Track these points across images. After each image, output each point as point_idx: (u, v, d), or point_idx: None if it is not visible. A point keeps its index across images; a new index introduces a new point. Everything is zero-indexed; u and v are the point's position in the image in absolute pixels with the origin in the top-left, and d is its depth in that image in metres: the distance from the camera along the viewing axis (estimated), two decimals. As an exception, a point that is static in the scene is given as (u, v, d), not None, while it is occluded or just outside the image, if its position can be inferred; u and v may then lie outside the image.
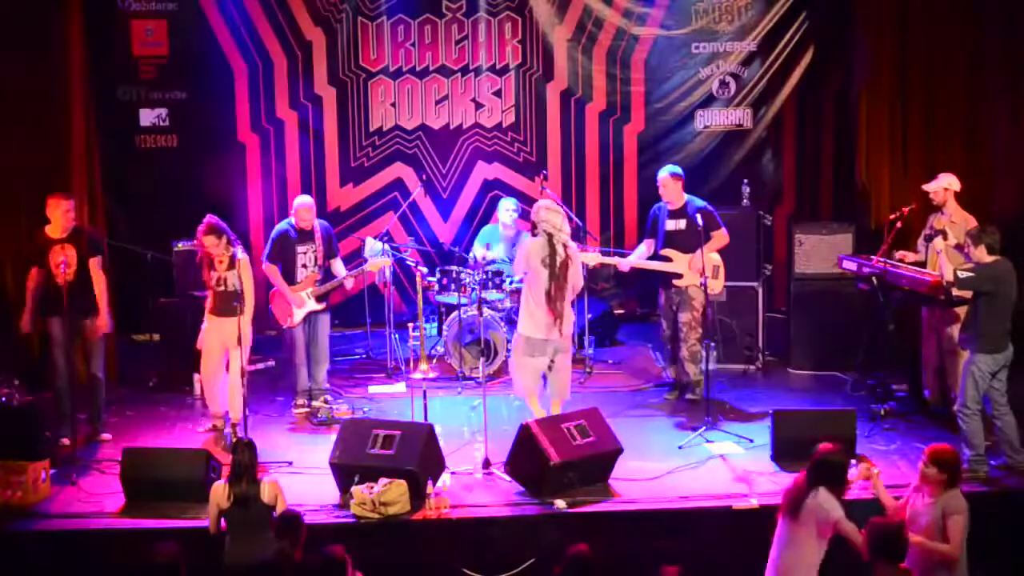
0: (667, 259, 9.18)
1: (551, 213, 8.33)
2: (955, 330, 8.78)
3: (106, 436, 8.74)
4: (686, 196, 9.25)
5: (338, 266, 9.26)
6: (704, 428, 8.56)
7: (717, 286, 9.20)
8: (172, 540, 6.27)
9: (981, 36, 10.33)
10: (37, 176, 9.64)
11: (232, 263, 8.54)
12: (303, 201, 9.16)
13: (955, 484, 6.30)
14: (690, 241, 8.98)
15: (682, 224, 9.11)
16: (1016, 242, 9.84)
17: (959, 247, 8.16)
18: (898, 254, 9.02)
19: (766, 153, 11.65)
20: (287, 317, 9.07)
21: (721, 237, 9.19)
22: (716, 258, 9.18)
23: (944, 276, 7.90)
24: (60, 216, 8.47)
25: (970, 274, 7.72)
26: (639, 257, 9.39)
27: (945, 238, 8.17)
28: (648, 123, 11.61)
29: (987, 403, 7.77)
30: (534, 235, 8.34)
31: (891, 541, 5.82)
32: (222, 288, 8.57)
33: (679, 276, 9.13)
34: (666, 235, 9.23)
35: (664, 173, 9.29)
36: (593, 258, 9.34)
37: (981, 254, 7.68)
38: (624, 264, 9.47)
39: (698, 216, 8.89)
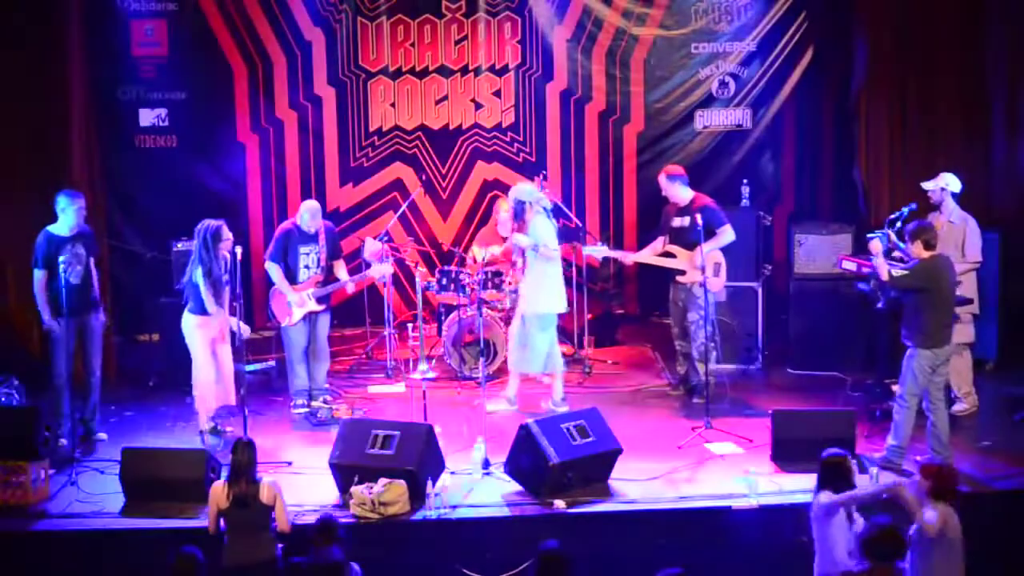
0: (671, 255, 9.22)
1: (539, 193, 9.05)
2: (955, 330, 8.80)
3: (102, 435, 8.75)
4: (692, 193, 9.26)
5: (340, 268, 9.26)
6: (703, 428, 8.56)
7: (717, 284, 9.21)
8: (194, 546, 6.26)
9: (981, 36, 10.32)
10: (37, 176, 9.64)
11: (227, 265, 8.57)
12: (309, 206, 9.16)
13: (943, 498, 6.13)
14: (693, 238, 8.99)
15: (686, 221, 9.10)
16: (1016, 242, 9.92)
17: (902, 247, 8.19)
18: (897, 253, 9.02)
19: (766, 153, 11.64)
20: (286, 316, 9.07)
21: (725, 234, 9.21)
22: (718, 255, 9.20)
23: (880, 276, 7.94)
24: (73, 214, 8.45)
25: (904, 272, 7.80)
26: (650, 253, 9.42)
27: (883, 242, 8.22)
28: (648, 123, 11.60)
29: (925, 396, 7.82)
30: (528, 216, 8.89)
31: (888, 542, 5.81)
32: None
33: (682, 273, 9.16)
34: (672, 232, 9.27)
35: (660, 171, 9.44)
36: (601, 251, 9.48)
37: (918, 250, 7.72)
38: (629, 259, 9.57)
39: (697, 215, 8.90)
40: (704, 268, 8.83)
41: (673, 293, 9.38)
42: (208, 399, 8.55)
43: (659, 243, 9.41)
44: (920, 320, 7.72)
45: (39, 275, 8.41)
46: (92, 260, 8.58)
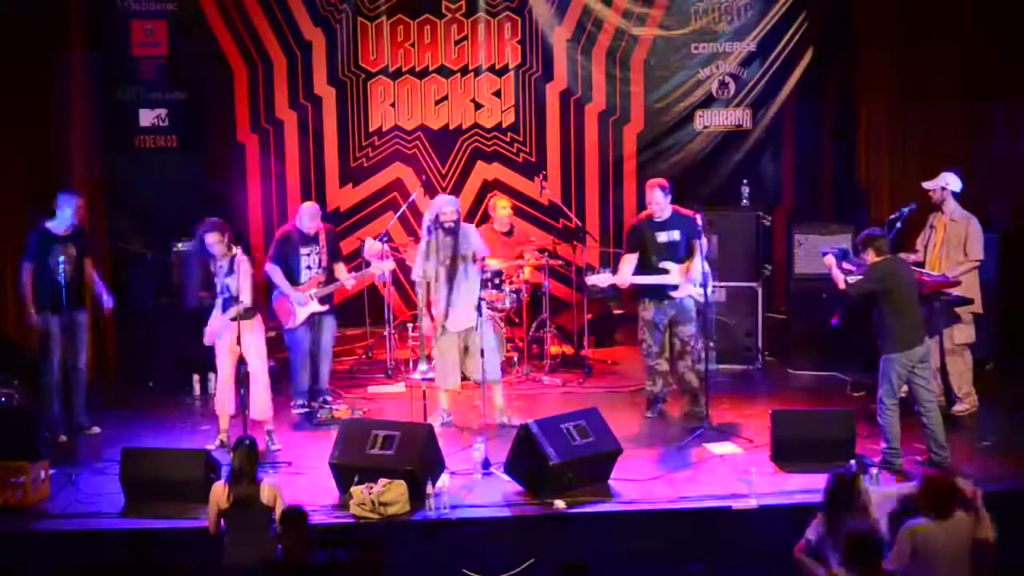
0: (664, 271, 8.90)
1: None
2: (955, 330, 8.81)
3: (96, 429, 8.78)
4: (671, 207, 8.95)
5: (340, 270, 9.25)
6: (703, 429, 8.56)
7: (699, 293, 8.84)
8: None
9: (981, 36, 10.33)
10: (37, 176, 9.64)
11: (232, 267, 8.42)
12: (309, 208, 9.16)
13: (939, 513, 6.04)
14: (682, 252, 8.85)
15: (675, 235, 8.84)
16: (1015, 242, 9.93)
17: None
18: (898, 255, 9.01)
19: (766, 153, 11.63)
20: (290, 317, 9.07)
21: (704, 245, 8.88)
22: (705, 267, 9.00)
23: (837, 286, 8.03)
24: (69, 213, 8.54)
25: (859, 278, 7.89)
26: (628, 272, 8.92)
27: (842, 257, 8.25)
28: (648, 123, 11.59)
29: (916, 400, 7.83)
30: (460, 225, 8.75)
31: (864, 546, 5.76)
32: (227, 295, 8.42)
33: (675, 288, 8.88)
34: (659, 247, 8.87)
35: (653, 185, 8.94)
36: (605, 280, 8.95)
37: (871, 257, 7.83)
38: (625, 282, 9.00)
39: (698, 222, 8.80)
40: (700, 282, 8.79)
41: (653, 314, 8.91)
42: (221, 406, 8.53)
43: (632, 260, 8.90)
44: (887, 325, 7.76)
45: (27, 268, 8.56)
46: (87, 260, 8.63)
